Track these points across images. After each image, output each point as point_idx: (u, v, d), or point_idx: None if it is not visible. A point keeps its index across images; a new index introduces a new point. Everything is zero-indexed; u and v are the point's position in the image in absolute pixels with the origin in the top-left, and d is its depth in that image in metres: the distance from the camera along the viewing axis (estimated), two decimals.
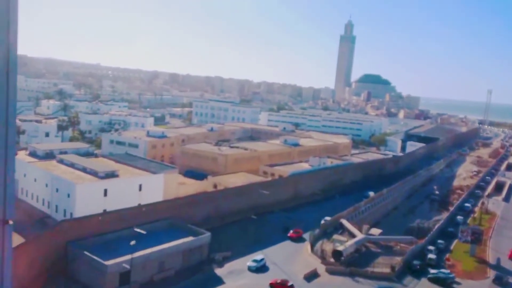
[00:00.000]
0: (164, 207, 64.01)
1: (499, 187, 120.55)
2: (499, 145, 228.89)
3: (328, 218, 73.05)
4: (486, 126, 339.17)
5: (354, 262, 59.21)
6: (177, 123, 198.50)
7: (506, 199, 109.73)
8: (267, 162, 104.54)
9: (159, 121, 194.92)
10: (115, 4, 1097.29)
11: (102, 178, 68.05)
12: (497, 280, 59.05)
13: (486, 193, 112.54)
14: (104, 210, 60.77)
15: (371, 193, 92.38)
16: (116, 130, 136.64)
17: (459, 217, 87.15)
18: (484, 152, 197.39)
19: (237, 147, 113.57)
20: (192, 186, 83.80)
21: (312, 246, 63.73)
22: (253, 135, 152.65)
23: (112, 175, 69.82)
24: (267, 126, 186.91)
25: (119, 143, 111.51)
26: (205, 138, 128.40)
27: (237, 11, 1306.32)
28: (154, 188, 71.09)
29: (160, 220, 60.67)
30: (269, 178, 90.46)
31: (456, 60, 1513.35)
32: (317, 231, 67.10)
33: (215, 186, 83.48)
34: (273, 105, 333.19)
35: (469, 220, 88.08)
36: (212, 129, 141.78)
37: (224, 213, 72.01)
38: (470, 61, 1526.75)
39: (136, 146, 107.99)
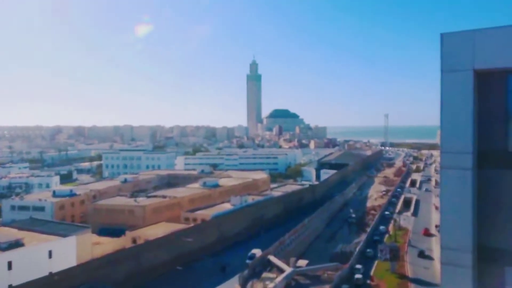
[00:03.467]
0: (79, 272, 58.74)
1: (407, 203, 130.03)
2: (401, 164, 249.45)
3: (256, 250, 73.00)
4: (387, 148, 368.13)
5: None
6: (86, 179, 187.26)
7: (414, 214, 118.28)
8: (188, 207, 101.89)
9: (66, 178, 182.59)
10: (5, 57, 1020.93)
11: (4, 249, 60.91)
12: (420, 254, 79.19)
13: (397, 210, 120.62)
14: (10, 286, 54.07)
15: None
16: (18, 194, 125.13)
17: (382, 227, 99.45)
18: (389, 172, 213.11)
19: (155, 196, 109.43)
20: (109, 245, 78.37)
21: None
22: (171, 181, 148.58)
23: (16, 244, 62.89)
24: (185, 170, 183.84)
25: (22, 208, 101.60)
26: (118, 191, 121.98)
27: (141, 55, 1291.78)
28: (66, 252, 65.23)
29: (76, 286, 55.42)
30: (191, 224, 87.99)
31: (354, 89, 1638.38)
32: (245, 272, 65.89)
33: (134, 240, 78.84)
34: (188, 148, 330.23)
35: (385, 238, 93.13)
36: (125, 181, 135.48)
37: (148, 268, 68.00)
38: (366, 89, 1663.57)
39: (41, 209, 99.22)
